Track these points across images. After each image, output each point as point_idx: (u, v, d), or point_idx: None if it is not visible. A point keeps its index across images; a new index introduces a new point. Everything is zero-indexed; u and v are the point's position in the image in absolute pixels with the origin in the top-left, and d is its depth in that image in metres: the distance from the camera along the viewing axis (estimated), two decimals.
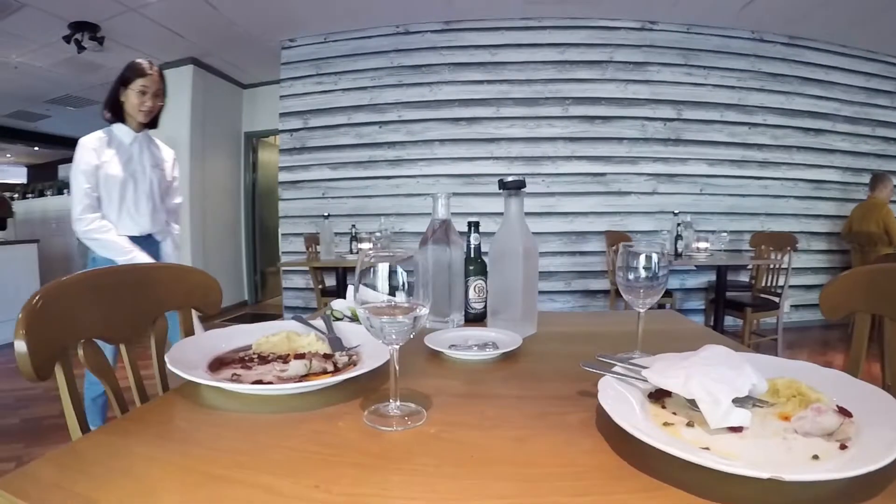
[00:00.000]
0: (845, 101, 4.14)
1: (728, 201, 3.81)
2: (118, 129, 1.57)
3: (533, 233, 0.85)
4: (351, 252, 3.01)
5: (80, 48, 3.63)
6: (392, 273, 0.48)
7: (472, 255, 0.92)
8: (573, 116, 3.66)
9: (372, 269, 0.48)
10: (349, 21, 3.84)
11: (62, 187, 5.73)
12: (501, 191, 0.83)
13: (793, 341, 3.65)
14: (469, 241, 0.92)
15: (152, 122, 1.64)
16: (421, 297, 0.49)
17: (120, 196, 1.52)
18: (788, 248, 2.96)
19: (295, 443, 0.46)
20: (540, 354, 0.76)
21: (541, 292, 3.92)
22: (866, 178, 3.99)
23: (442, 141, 3.72)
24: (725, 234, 3.47)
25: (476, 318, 0.91)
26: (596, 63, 3.73)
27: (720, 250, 3.37)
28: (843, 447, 0.42)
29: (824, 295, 0.79)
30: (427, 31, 3.83)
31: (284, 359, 0.67)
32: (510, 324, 0.82)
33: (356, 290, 0.49)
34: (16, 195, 5.95)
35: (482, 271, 0.93)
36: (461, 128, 3.71)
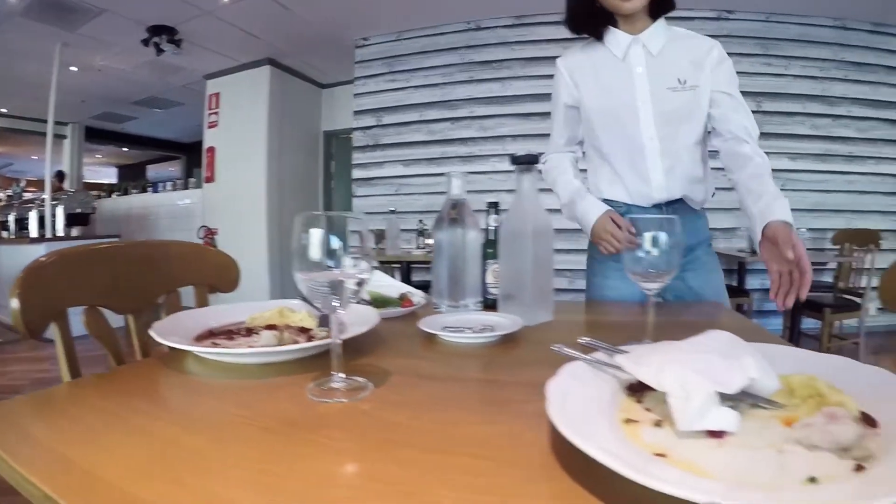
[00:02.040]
0: None
1: (811, 197, 3.70)
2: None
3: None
4: (417, 248, 3.10)
5: (159, 51, 3.83)
6: (327, 237, 0.46)
7: (491, 238, 0.87)
8: None
9: (305, 236, 0.46)
10: (421, 18, 3.93)
11: (146, 186, 6.12)
12: (513, 166, 0.80)
13: (879, 346, 3.52)
14: (488, 223, 0.89)
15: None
16: (360, 265, 0.47)
17: None
18: (871, 246, 2.87)
19: (232, 407, 0.47)
20: (541, 342, 0.68)
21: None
22: None
23: (514, 136, 3.77)
24: (805, 230, 3.39)
25: (495, 304, 0.86)
26: None
27: (812, 250, 3.29)
28: (859, 468, 0.31)
29: (884, 283, 0.67)
30: (498, 27, 3.87)
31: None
32: (521, 309, 0.77)
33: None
34: (102, 193, 6.38)
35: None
36: (533, 123, 3.75)
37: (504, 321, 0.73)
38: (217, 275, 0.92)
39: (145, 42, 3.84)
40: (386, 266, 3.51)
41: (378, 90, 4.08)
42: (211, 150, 4.73)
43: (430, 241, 3.30)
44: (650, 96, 1.02)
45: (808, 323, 3.08)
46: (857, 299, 2.91)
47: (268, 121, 4.47)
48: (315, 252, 0.46)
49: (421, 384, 0.54)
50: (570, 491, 0.32)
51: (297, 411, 0.45)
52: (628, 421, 0.39)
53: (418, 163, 3.92)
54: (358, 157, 4.08)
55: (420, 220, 3.28)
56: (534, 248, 0.77)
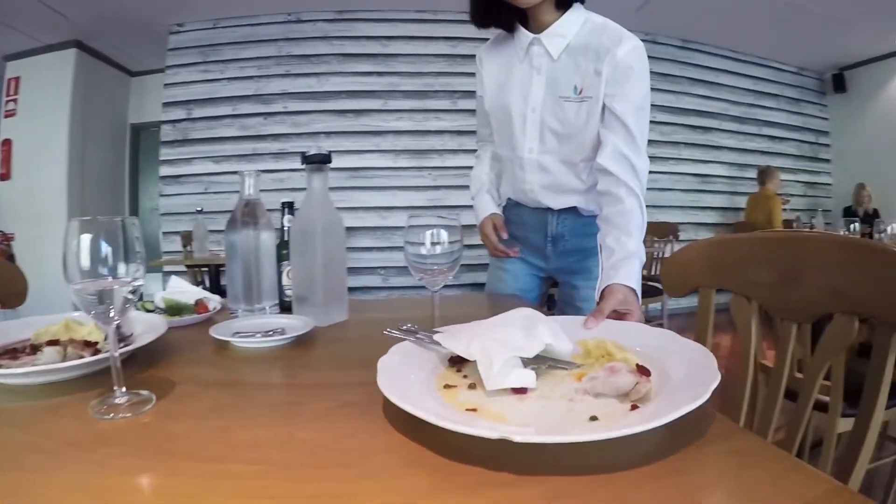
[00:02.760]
0: (733, 102, 4.31)
1: None
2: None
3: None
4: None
5: None
6: (97, 243, 0.44)
7: (286, 239, 0.85)
8: (462, 110, 3.62)
9: (74, 242, 0.43)
10: (240, 6, 3.68)
11: None
12: (304, 166, 0.78)
13: (682, 326, 3.74)
14: (283, 223, 0.87)
15: None
16: (126, 272, 0.45)
17: None
18: (671, 237, 3.11)
19: (12, 431, 0.44)
20: (334, 341, 0.71)
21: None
22: (751, 173, 4.17)
23: (328, 133, 3.60)
24: None
25: (291, 306, 0.85)
26: None
27: None
28: (634, 408, 0.39)
29: (665, 273, 0.74)
30: (319, 20, 3.71)
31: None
32: (314, 310, 0.76)
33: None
34: None
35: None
36: (348, 120, 3.61)
37: (296, 323, 0.72)
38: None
39: None
40: (196, 270, 3.20)
41: (190, 80, 3.76)
42: (7, 143, 4.12)
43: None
44: (541, 105, 0.90)
45: None
46: (659, 285, 3.06)
47: (70, 110, 3.97)
48: (85, 260, 0.44)
49: (206, 392, 0.53)
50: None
51: (78, 431, 0.44)
52: (447, 386, 0.46)
53: (229, 159, 3.63)
54: (166, 153, 3.71)
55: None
56: (324, 248, 0.76)
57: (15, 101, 4.15)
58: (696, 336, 0.72)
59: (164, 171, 3.71)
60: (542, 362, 0.48)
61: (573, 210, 0.98)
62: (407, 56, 3.65)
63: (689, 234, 4.14)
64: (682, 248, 0.74)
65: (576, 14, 0.86)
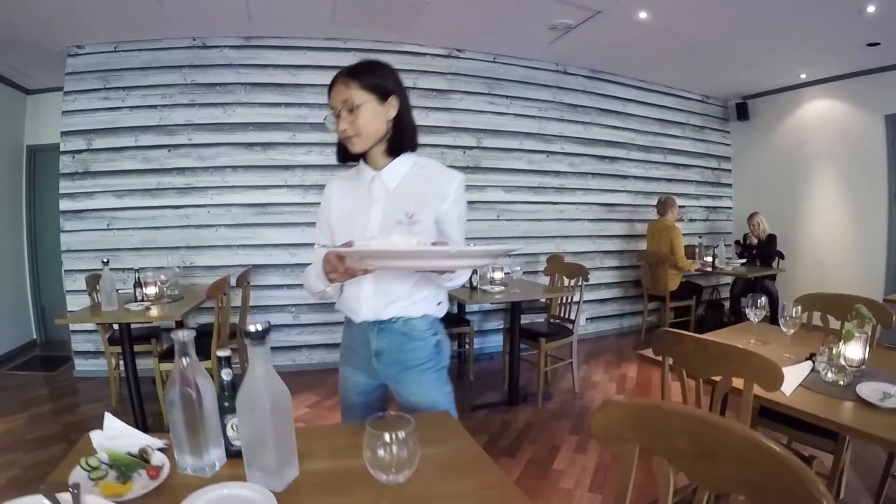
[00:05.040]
0: (640, 131, 4.52)
1: (525, 226, 4.04)
2: None
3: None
4: (136, 300, 2.70)
5: None
6: None
7: (226, 392, 0.90)
8: None
9: None
10: (143, 30, 3.53)
11: None
12: (245, 340, 0.82)
13: (589, 351, 3.99)
14: (221, 376, 0.91)
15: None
16: None
17: None
18: (581, 279, 3.03)
19: None
20: None
21: (340, 322, 3.93)
22: (654, 200, 4.41)
23: (234, 167, 3.56)
24: (519, 269, 3.56)
25: (238, 454, 0.88)
26: None
27: (512, 274, 3.50)
28: None
29: (594, 422, 0.80)
30: (225, 47, 3.63)
31: None
32: (266, 475, 0.81)
33: None
34: None
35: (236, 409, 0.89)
36: (255, 153, 3.58)
37: (257, 498, 0.75)
38: None
39: None
40: (106, 327, 3.04)
41: (90, 108, 3.61)
42: None
43: (149, 292, 2.93)
44: (379, 230, 1.08)
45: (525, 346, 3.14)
46: (569, 325, 3.09)
47: None
48: None
49: None
50: None
51: None
52: None
53: (132, 194, 3.54)
54: (67, 186, 3.58)
55: (137, 270, 2.82)
56: (272, 420, 0.80)
57: None
58: (616, 496, 0.81)
59: (65, 205, 3.59)
60: None
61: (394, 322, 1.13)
62: (316, 86, 3.63)
63: (595, 261, 4.38)
64: (611, 404, 0.82)
65: (405, 158, 1.12)
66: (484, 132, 3.93)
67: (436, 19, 3.45)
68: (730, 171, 5.10)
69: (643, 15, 3.33)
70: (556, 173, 4.15)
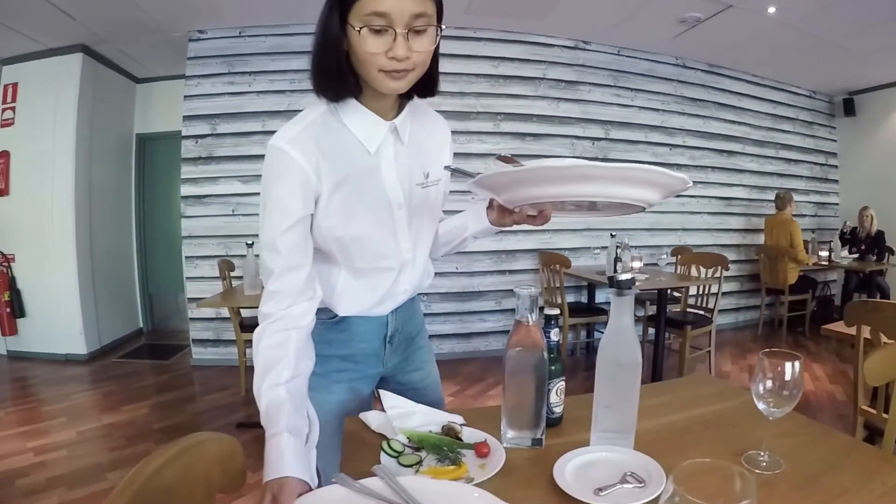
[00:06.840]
0: (754, 126, 4.44)
1: (649, 217, 3.94)
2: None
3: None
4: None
5: None
6: None
7: (552, 354, 0.78)
8: (505, 133, 3.57)
9: None
10: (271, 14, 3.46)
11: None
12: (610, 289, 0.73)
13: (723, 341, 3.92)
14: (549, 338, 0.80)
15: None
16: None
17: None
18: (720, 269, 2.99)
19: None
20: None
21: (472, 312, 3.92)
22: (769, 195, 4.33)
23: None
24: (665, 256, 3.55)
25: (552, 424, 0.81)
26: (529, 79, 3.66)
27: (650, 265, 3.43)
28: None
29: (868, 366, 0.89)
30: None
31: None
32: (619, 436, 0.72)
33: None
34: None
35: (563, 371, 0.82)
36: None
37: (645, 464, 0.65)
38: None
39: None
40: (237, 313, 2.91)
41: (215, 93, 3.52)
42: (5, 155, 3.78)
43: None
44: (404, 198, 0.80)
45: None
46: (707, 314, 3.06)
47: (76, 119, 3.66)
48: None
49: None
50: None
51: None
52: None
53: (258, 179, 3.43)
54: (189, 171, 3.48)
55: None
56: (634, 379, 0.73)
57: (13, 109, 3.79)
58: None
59: (186, 190, 3.48)
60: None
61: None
62: (449, 74, 3.55)
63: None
64: (881, 349, 0.88)
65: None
66: (611, 124, 3.84)
67: (568, 10, 3.37)
68: (836, 166, 5.00)
69: (772, 10, 3.27)
70: (679, 166, 4.04)
